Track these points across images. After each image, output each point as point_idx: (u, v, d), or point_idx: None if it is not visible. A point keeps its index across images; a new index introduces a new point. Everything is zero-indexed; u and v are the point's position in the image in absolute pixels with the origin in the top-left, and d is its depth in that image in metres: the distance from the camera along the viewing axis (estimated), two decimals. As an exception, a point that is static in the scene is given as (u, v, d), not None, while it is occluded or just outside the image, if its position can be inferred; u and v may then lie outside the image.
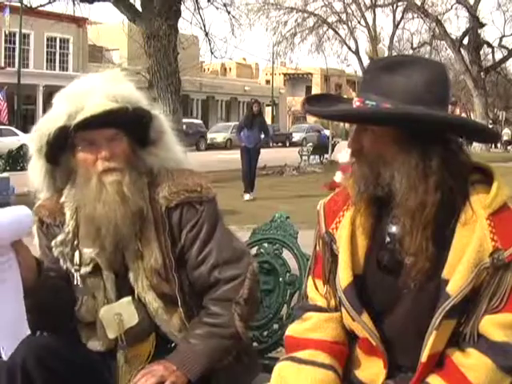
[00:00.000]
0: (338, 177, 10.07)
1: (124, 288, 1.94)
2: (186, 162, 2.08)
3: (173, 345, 1.97)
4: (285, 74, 60.27)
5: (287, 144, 39.14)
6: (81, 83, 1.94)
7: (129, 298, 1.93)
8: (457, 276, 1.51)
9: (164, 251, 1.92)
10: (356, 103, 1.58)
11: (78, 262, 1.95)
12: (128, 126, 1.90)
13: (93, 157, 1.88)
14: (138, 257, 1.92)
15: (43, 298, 1.88)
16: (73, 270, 1.96)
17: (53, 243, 1.98)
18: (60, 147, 1.91)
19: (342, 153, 11.14)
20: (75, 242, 1.96)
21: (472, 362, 1.51)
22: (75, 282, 1.96)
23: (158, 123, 1.98)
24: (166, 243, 1.92)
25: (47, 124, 1.89)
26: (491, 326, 1.51)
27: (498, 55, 36.51)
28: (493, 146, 30.96)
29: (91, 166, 1.88)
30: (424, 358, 1.53)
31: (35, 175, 2.00)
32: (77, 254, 1.95)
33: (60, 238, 1.97)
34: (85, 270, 1.95)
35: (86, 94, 1.86)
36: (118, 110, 1.84)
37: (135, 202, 1.89)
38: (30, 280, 1.82)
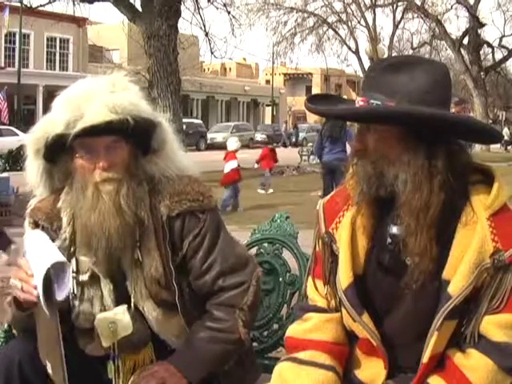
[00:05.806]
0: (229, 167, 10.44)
1: (122, 296, 1.91)
2: (188, 169, 2.02)
3: (173, 348, 1.95)
4: (285, 74, 60.22)
5: (287, 144, 39.17)
6: (82, 87, 1.89)
7: (124, 307, 1.89)
8: (458, 277, 1.51)
9: (164, 260, 1.88)
10: (359, 103, 1.57)
11: (74, 270, 1.90)
12: (128, 135, 1.85)
13: (91, 165, 1.83)
14: (137, 266, 1.88)
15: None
16: None
17: None
18: (58, 149, 1.86)
19: (231, 140, 11.34)
20: (72, 249, 1.91)
21: (473, 362, 1.51)
22: (71, 290, 1.91)
23: (161, 132, 1.93)
24: (167, 252, 1.88)
25: (46, 128, 1.85)
26: (492, 326, 1.51)
27: (498, 55, 36.48)
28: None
29: (89, 174, 1.83)
30: (425, 358, 1.53)
31: (32, 173, 1.95)
32: (73, 261, 1.91)
33: (56, 244, 1.91)
34: (82, 277, 1.91)
35: (86, 101, 1.81)
36: (117, 121, 1.79)
37: (131, 214, 1.84)
38: None
